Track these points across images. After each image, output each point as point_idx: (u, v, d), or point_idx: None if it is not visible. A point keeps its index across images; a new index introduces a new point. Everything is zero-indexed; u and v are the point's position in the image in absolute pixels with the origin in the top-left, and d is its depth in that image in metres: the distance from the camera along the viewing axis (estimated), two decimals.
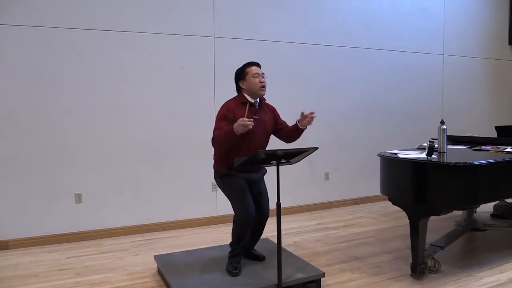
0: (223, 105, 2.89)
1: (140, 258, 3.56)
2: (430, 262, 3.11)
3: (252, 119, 2.61)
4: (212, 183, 4.53)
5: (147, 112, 4.24)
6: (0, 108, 3.73)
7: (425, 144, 3.23)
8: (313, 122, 2.87)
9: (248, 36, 4.62)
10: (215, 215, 4.58)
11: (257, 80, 2.83)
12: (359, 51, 5.31)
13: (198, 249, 3.48)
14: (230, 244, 2.96)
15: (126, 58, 4.12)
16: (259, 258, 3.08)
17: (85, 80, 3.99)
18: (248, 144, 2.75)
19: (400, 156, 3.13)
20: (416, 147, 3.75)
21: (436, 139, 3.30)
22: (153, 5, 4.19)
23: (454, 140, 3.96)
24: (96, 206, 4.09)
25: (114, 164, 4.14)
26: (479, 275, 3.09)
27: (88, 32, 3.96)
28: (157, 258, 3.22)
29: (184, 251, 3.39)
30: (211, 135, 2.81)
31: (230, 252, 2.94)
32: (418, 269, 3.01)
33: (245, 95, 2.88)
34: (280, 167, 2.57)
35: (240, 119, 2.58)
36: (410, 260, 3.09)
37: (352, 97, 5.30)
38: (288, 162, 2.61)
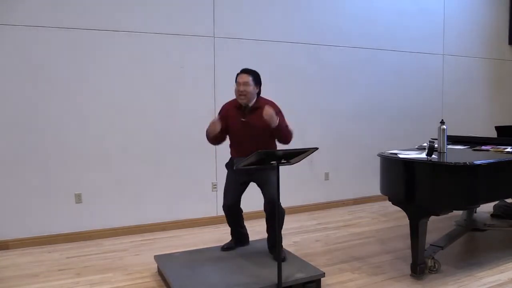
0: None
1: (140, 258, 3.56)
2: (430, 262, 3.11)
3: (219, 121, 2.96)
4: (212, 183, 4.54)
5: (147, 112, 4.24)
6: (0, 108, 3.73)
7: (425, 144, 3.23)
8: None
9: (248, 36, 4.62)
10: (215, 215, 4.58)
11: (237, 88, 3.02)
12: (359, 51, 5.31)
13: (198, 249, 3.47)
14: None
15: (126, 58, 4.12)
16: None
17: (85, 80, 3.99)
18: (236, 145, 3.11)
19: (400, 156, 3.13)
20: (416, 147, 3.74)
21: (436, 139, 3.30)
22: (153, 5, 4.19)
23: (454, 140, 3.96)
24: (96, 206, 4.08)
25: (114, 164, 4.13)
26: (479, 275, 3.09)
27: (88, 32, 3.96)
28: (157, 258, 3.21)
29: (184, 251, 3.39)
30: None
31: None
32: (418, 269, 3.01)
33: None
34: (280, 167, 2.57)
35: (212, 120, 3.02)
36: (410, 260, 3.09)
37: (352, 97, 5.30)
38: (288, 162, 2.61)
